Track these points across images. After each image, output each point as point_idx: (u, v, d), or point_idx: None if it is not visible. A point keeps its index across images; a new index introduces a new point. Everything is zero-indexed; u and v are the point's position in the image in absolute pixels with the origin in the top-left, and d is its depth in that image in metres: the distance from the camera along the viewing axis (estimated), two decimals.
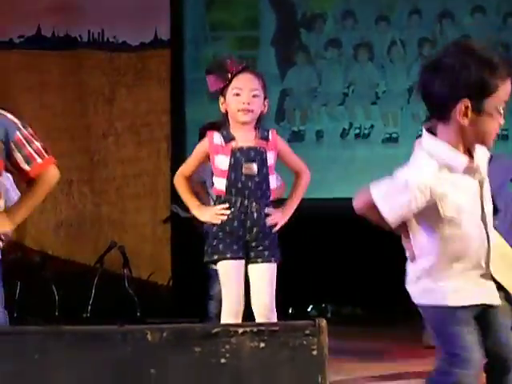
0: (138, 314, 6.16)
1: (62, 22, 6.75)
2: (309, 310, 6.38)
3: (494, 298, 2.24)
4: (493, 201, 2.23)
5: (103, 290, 6.16)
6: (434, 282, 2.22)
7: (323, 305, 6.40)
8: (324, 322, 1.78)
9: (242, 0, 6.83)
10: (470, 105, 2.12)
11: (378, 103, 6.70)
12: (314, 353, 1.73)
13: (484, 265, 2.20)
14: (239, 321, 3.14)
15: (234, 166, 3.23)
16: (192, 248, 6.36)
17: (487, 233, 2.22)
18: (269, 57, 6.76)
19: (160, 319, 6.10)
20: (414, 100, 6.63)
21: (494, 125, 2.16)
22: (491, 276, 2.22)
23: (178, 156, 6.76)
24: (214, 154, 3.28)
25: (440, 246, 2.20)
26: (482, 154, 2.27)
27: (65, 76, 6.76)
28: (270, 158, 3.28)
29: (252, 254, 3.24)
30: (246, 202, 3.22)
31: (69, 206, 6.76)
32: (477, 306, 2.22)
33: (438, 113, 2.20)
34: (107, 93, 6.80)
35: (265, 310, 3.19)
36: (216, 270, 3.34)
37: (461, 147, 2.22)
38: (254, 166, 3.23)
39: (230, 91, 3.28)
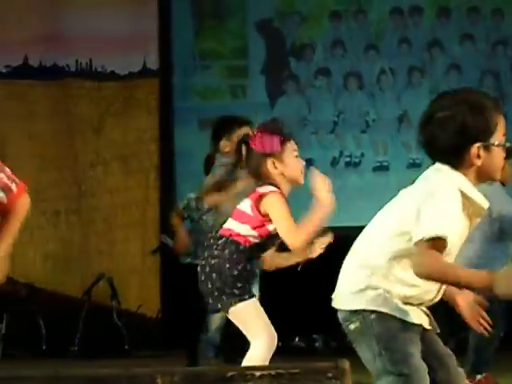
0: (126, 346, 6.05)
1: (50, 52, 6.71)
2: (296, 340, 6.27)
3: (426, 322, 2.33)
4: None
5: (91, 322, 6.05)
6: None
7: (313, 336, 6.31)
8: (347, 364, 1.69)
9: (230, 29, 6.82)
10: (480, 146, 2.26)
11: (368, 131, 6.68)
12: None
13: (436, 292, 2.29)
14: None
15: None
16: (182, 279, 6.29)
17: None
18: (258, 85, 6.74)
19: (149, 352, 6.00)
20: (404, 128, 6.62)
21: (501, 158, 2.31)
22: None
23: (167, 185, 6.71)
24: None
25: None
26: None
27: (52, 106, 6.70)
28: None
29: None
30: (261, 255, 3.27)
31: (56, 237, 6.67)
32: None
33: (447, 160, 2.29)
34: (95, 122, 6.74)
35: None
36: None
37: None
38: None
39: (290, 154, 3.24)
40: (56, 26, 6.70)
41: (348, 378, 1.70)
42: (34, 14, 6.60)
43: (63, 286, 6.53)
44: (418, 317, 2.28)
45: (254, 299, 3.16)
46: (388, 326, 2.20)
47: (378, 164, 6.67)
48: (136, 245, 6.65)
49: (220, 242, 3.14)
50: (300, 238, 3.10)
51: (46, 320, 6.06)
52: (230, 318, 3.18)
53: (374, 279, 2.23)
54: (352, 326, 2.24)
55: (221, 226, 3.24)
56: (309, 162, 6.67)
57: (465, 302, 2.37)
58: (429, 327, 2.32)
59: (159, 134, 6.72)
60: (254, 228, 3.13)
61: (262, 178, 3.21)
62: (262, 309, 3.19)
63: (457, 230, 2.21)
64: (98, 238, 6.69)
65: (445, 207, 2.18)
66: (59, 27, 6.69)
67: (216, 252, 3.13)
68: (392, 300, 2.22)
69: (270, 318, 3.31)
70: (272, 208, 3.11)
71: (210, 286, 3.13)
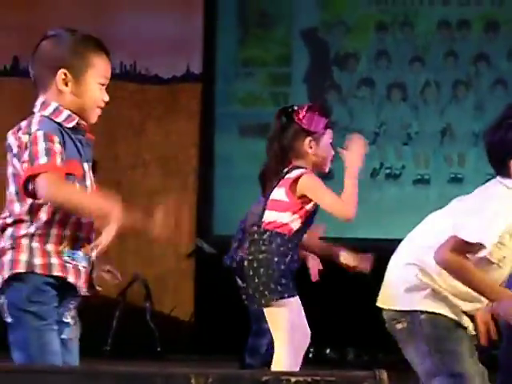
0: (159, 348, 6.06)
1: None
2: (327, 352, 6.22)
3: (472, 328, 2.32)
4: None
5: (125, 323, 6.07)
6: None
7: (346, 348, 6.25)
8: (385, 375, 1.64)
9: (275, 37, 6.82)
10: None
11: (410, 144, 6.61)
12: None
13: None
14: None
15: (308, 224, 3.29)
16: (216, 284, 6.30)
17: None
18: (301, 94, 6.72)
19: (181, 355, 6.00)
20: (446, 142, 6.55)
21: None
22: None
23: (205, 189, 6.72)
24: None
25: None
26: None
27: None
28: None
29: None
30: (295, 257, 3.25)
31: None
32: None
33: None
34: (137, 125, 6.78)
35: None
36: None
37: None
38: None
39: (327, 139, 3.27)
40: (101, 27, 6.75)
41: None
42: (80, 14, 6.67)
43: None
44: (466, 319, 2.24)
45: (294, 298, 3.16)
46: (438, 326, 2.17)
47: (419, 177, 6.60)
48: (172, 247, 6.67)
49: (265, 236, 3.15)
50: (348, 206, 3.12)
51: (80, 319, 6.09)
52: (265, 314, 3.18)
53: (423, 279, 2.20)
54: (399, 326, 2.20)
55: (260, 221, 3.23)
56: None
57: (481, 317, 2.33)
58: (474, 332, 2.29)
59: (199, 139, 6.74)
60: (295, 212, 3.15)
61: (291, 153, 3.22)
62: (300, 308, 3.18)
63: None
64: (134, 239, 6.72)
65: (496, 215, 2.15)
66: (104, 28, 6.74)
67: (263, 247, 3.14)
68: (441, 299, 2.19)
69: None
70: (311, 187, 3.14)
71: (256, 280, 3.13)
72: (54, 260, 2.30)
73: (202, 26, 6.76)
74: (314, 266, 3.45)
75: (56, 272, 2.30)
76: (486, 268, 2.20)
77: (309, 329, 3.20)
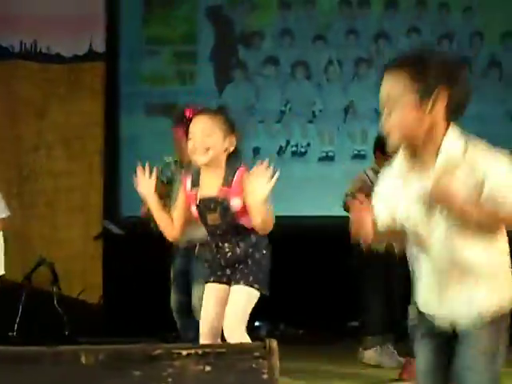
0: (67, 332, 5.97)
1: None
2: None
3: None
4: None
5: (31, 307, 5.95)
6: None
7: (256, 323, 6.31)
8: (275, 343, 1.68)
9: (179, 15, 6.76)
10: None
11: (315, 121, 6.71)
12: (265, 376, 1.62)
13: None
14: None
15: (201, 216, 3.27)
16: (124, 266, 6.25)
17: None
18: (207, 72, 6.70)
19: (89, 339, 5.93)
20: (349, 119, 6.67)
21: None
22: None
23: (111, 170, 6.63)
24: (189, 203, 3.30)
25: None
26: None
27: None
28: (234, 205, 3.20)
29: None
30: (219, 244, 3.26)
31: None
32: None
33: None
34: (39, 105, 6.61)
35: (224, 330, 3.18)
36: None
37: None
38: (217, 216, 3.22)
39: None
40: (0, 5, 6.55)
41: (276, 357, 1.68)
42: None
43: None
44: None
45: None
46: (502, 327, 2.18)
47: (324, 154, 6.71)
48: (78, 230, 6.56)
49: None
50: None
51: None
52: None
53: (481, 284, 2.17)
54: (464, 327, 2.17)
55: None
56: (255, 151, 6.68)
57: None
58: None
59: (104, 119, 6.63)
60: None
61: None
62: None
63: None
64: (39, 222, 6.58)
65: None
66: (4, 7, 6.54)
67: None
68: (502, 300, 2.18)
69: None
70: None
71: None
72: None
73: (104, 3, 6.63)
74: None
75: None
76: None
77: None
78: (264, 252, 3.27)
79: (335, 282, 5.86)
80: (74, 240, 6.55)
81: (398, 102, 2.15)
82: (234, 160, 3.25)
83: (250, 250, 3.24)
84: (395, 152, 2.22)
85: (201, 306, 3.33)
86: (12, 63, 6.60)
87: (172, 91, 6.67)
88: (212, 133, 3.22)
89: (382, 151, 4.65)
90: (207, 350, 1.66)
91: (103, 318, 6.32)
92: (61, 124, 6.60)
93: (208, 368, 1.63)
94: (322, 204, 6.07)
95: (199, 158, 3.22)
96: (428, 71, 2.14)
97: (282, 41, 6.74)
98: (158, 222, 3.34)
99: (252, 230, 3.22)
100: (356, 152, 6.64)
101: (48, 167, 6.57)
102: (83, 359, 1.64)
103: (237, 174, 3.21)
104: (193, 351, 1.66)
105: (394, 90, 2.17)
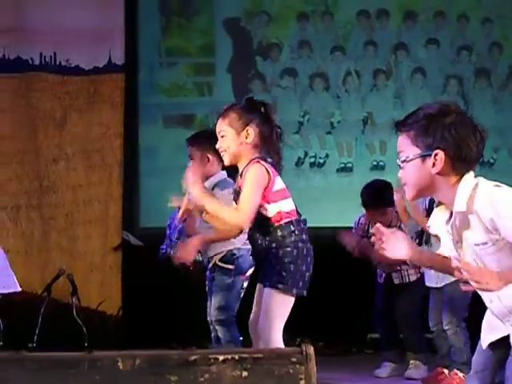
0: (86, 344, 5.97)
1: (13, 44, 6.60)
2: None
3: None
4: None
5: (50, 319, 5.96)
6: None
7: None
8: (312, 349, 1.67)
9: (198, 26, 6.79)
10: None
11: (333, 133, 6.70)
12: (302, 382, 1.60)
13: None
14: None
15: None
16: (143, 277, 6.25)
17: None
18: (225, 84, 6.72)
19: (109, 350, 5.93)
20: (368, 130, 6.67)
21: None
22: None
23: (130, 182, 6.65)
24: None
25: None
26: None
27: (15, 99, 6.60)
28: None
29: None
30: (251, 238, 3.28)
31: (16, 233, 6.56)
32: None
33: None
34: (58, 117, 6.65)
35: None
36: None
37: None
38: None
39: None
40: (20, 17, 6.60)
41: (313, 363, 1.68)
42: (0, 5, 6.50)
43: (22, 282, 6.40)
44: None
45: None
46: None
47: (342, 165, 6.70)
48: (98, 241, 6.58)
49: None
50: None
51: (4, 316, 5.95)
52: None
53: None
54: None
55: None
56: None
57: None
58: None
59: (123, 130, 6.66)
60: None
61: None
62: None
63: None
64: (58, 233, 6.60)
65: None
66: (23, 19, 6.59)
67: None
68: None
69: None
70: None
71: None
72: None
73: (123, 15, 6.67)
74: None
75: None
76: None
77: None
78: (289, 249, 3.17)
79: (355, 293, 5.84)
80: (93, 251, 6.57)
81: (404, 160, 2.29)
82: (266, 149, 3.26)
83: (274, 245, 3.16)
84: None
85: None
86: (32, 75, 6.65)
87: (190, 103, 6.69)
88: (225, 133, 3.28)
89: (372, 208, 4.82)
90: (244, 355, 1.65)
91: (122, 330, 6.32)
92: (80, 136, 6.63)
93: (245, 373, 1.63)
94: (341, 215, 6.06)
95: (224, 160, 3.33)
96: (429, 132, 2.26)
97: (300, 52, 6.75)
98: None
99: (277, 224, 3.17)
100: (375, 163, 6.63)
101: (67, 179, 6.60)
102: (120, 364, 1.64)
103: (248, 165, 3.24)
104: (229, 356, 1.65)
105: (401, 148, 2.31)
